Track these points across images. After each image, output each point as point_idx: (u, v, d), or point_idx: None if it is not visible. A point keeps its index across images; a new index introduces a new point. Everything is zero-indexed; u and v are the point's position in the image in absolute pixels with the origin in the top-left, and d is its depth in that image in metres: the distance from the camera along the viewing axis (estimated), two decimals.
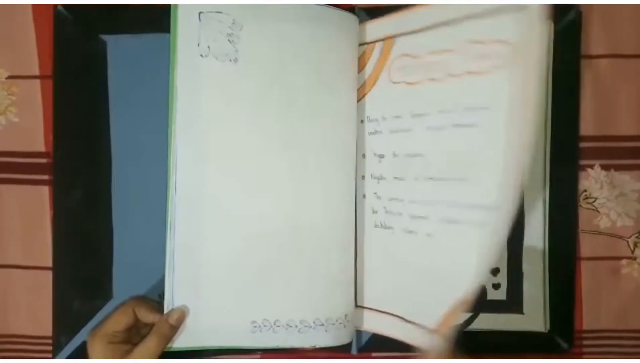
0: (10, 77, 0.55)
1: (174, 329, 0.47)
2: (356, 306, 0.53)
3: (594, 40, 0.54)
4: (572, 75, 0.54)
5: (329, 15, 0.50)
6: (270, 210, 0.49)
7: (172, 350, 0.48)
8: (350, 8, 0.52)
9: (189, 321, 0.48)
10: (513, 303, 0.55)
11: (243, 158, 0.48)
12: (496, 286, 0.55)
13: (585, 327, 0.55)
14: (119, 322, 0.47)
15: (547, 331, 0.54)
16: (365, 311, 0.54)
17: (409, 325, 0.50)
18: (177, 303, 0.48)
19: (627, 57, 0.54)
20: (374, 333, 0.54)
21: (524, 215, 0.54)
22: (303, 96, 0.49)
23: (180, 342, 0.48)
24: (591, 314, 0.55)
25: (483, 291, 0.54)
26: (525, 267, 0.54)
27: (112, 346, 0.46)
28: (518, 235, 0.54)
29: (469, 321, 0.54)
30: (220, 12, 0.47)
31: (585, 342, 0.55)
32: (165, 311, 0.48)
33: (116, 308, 0.49)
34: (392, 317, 0.52)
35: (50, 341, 0.54)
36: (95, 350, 0.46)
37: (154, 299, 0.52)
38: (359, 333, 0.55)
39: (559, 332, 0.54)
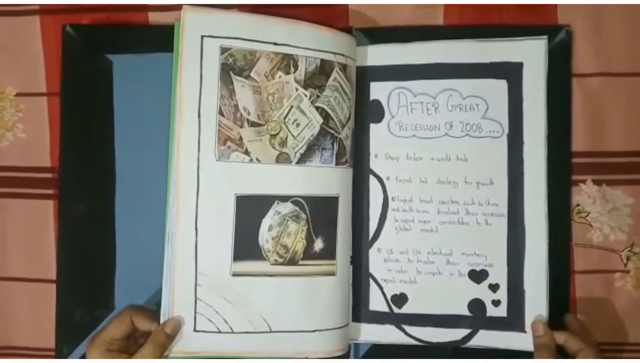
0: (18, 94, 0.56)
1: (170, 338, 0.48)
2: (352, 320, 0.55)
3: (585, 60, 0.56)
4: (563, 93, 0.55)
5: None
6: None
7: (168, 358, 0.49)
8: (347, 29, 0.54)
9: (185, 330, 0.49)
10: (514, 320, 0.54)
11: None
12: (496, 302, 0.54)
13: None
14: (116, 330, 0.48)
15: None
16: (362, 325, 0.55)
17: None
18: (173, 312, 0.49)
19: (617, 76, 0.56)
20: (373, 343, 0.55)
21: (524, 230, 0.54)
22: None
23: (176, 351, 0.49)
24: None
25: (482, 308, 0.54)
26: (527, 284, 0.54)
27: (109, 354, 0.47)
28: (519, 251, 0.54)
29: (467, 337, 0.54)
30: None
31: None
32: (162, 320, 0.49)
33: (114, 317, 0.50)
34: (388, 326, 0.54)
35: (52, 353, 0.55)
36: (93, 357, 0.47)
37: (152, 308, 0.53)
38: (357, 346, 0.55)
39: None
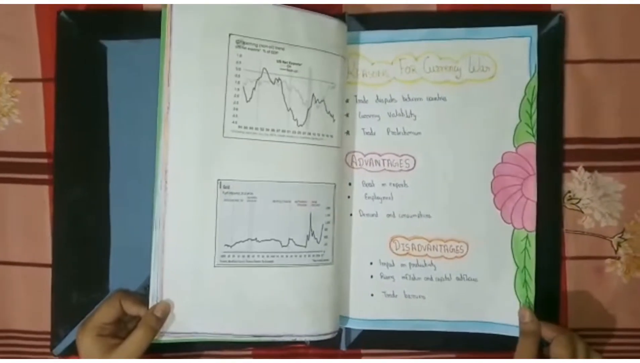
0: (13, 80, 0.57)
1: (160, 321, 0.48)
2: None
3: (579, 46, 0.56)
4: (556, 79, 0.55)
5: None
6: None
7: (160, 342, 0.49)
8: (340, 15, 0.54)
9: (175, 313, 0.49)
10: None
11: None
12: None
13: (570, 325, 0.56)
14: (107, 315, 0.49)
15: None
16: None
17: None
18: (163, 296, 0.49)
19: (610, 62, 0.56)
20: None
21: None
22: None
23: (167, 335, 0.49)
24: (576, 312, 0.56)
25: None
26: None
27: (100, 339, 0.48)
28: None
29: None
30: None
31: None
32: (151, 304, 0.49)
33: (103, 302, 0.50)
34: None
35: (48, 336, 0.55)
36: (85, 343, 0.48)
37: (141, 292, 0.53)
38: (347, 330, 0.56)
39: None
